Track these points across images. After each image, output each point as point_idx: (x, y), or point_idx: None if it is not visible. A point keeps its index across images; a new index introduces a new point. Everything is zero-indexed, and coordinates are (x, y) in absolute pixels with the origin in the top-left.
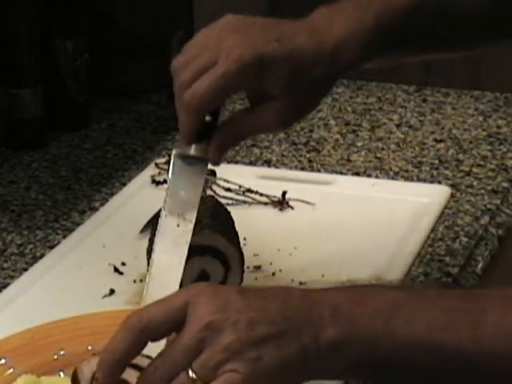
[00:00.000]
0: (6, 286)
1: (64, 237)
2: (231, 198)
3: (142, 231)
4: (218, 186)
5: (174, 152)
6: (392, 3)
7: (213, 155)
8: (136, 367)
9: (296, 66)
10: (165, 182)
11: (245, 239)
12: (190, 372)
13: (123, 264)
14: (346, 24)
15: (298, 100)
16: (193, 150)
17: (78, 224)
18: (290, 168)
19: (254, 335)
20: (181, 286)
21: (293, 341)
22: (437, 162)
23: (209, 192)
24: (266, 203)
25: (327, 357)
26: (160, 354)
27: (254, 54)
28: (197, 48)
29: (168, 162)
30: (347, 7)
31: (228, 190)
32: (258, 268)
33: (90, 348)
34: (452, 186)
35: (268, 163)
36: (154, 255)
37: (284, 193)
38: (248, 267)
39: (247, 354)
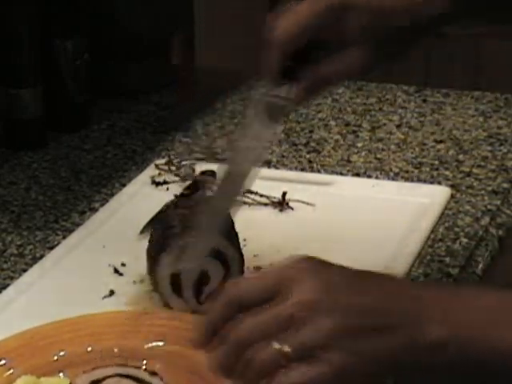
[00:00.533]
0: (5, 286)
1: (64, 237)
2: None
3: (141, 232)
4: None
5: (255, 95)
6: None
7: (299, 95)
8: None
9: (376, 13)
10: (165, 182)
11: (245, 240)
12: (284, 346)
13: (123, 265)
14: None
15: (379, 48)
16: (277, 91)
17: (78, 225)
18: (290, 169)
19: (359, 325)
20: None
21: (395, 338)
22: (437, 162)
23: (209, 193)
24: (266, 204)
25: (426, 357)
26: (252, 317)
27: None
28: None
29: (168, 163)
30: None
31: None
32: (258, 269)
33: (89, 349)
34: (452, 186)
35: (268, 164)
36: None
37: (284, 194)
38: (248, 268)
39: (348, 344)
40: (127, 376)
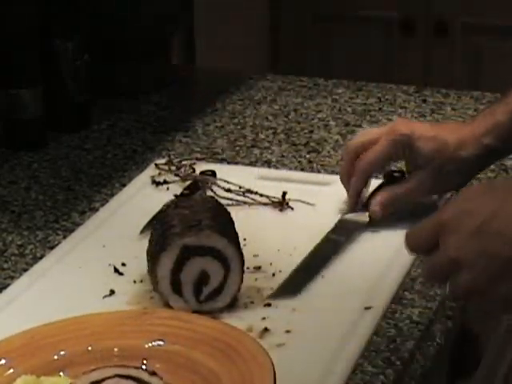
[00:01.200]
0: (6, 286)
1: (64, 237)
2: (231, 199)
3: (142, 232)
4: (219, 186)
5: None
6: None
7: (374, 209)
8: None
9: (438, 146)
10: (165, 182)
11: (245, 240)
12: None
13: (123, 264)
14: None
15: (440, 174)
16: (355, 216)
17: (78, 224)
18: (290, 169)
19: None
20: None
21: None
22: None
23: (209, 193)
24: (266, 204)
25: None
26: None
27: (407, 131)
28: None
29: (168, 163)
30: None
31: (228, 190)
32: (257, 268)
33: (89, 348)
34: None
35: (268, 164)
36: None
37: (284, 193)
38: (248, 268)
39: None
40: (127, 377)
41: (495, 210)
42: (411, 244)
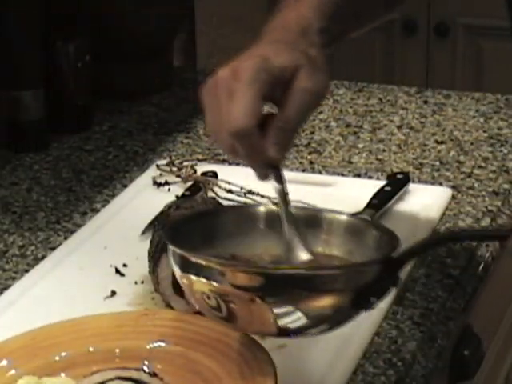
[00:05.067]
0: (7, 287)
1: (65, 238)
2: (233, 200)
3: (143, 233)
4: (220, 187)
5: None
6: None
7: (270, 152)
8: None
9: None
10: (166, 183)
11: None
12: None
13: (125, 265)
14: None
15: None
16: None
17: (80, 225)
18: (292, 170)
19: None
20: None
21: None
22: (438, 163)
23: (210, 194)
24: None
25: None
26: None
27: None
28: None
29: (169, 164)
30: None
31: (229, 191)
32: None
33: (91, 349)
34: (453, 187)
35: None
36: None
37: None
38: None
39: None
40: (128, 379)
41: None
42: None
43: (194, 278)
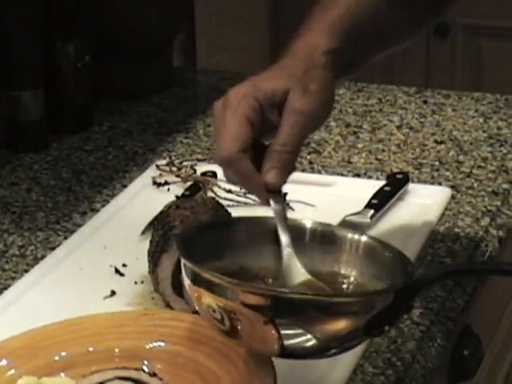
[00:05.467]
0: (7, 287)
1: (65, 238)
2: (232, 200)
3: (143, 233)
4: (219, 187)
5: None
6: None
7: (268, 178)
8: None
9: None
10: (166, 183)
11: None
12: None
13: (124, 265)
14: None
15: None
16: (356, 217)
17: (79, 225)
18: None
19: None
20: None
21: None
22: (437, 163)
23: (210, 194)
24: None
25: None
26: None
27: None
28: None
29: (169, 164)
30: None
31: (229, 191)
32: None
33: (91, 349)
34: (452, 187)
35: None
36: None
37: (285, 194)
38: None
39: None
40: (127, 378)
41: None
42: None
43: (204, 291)
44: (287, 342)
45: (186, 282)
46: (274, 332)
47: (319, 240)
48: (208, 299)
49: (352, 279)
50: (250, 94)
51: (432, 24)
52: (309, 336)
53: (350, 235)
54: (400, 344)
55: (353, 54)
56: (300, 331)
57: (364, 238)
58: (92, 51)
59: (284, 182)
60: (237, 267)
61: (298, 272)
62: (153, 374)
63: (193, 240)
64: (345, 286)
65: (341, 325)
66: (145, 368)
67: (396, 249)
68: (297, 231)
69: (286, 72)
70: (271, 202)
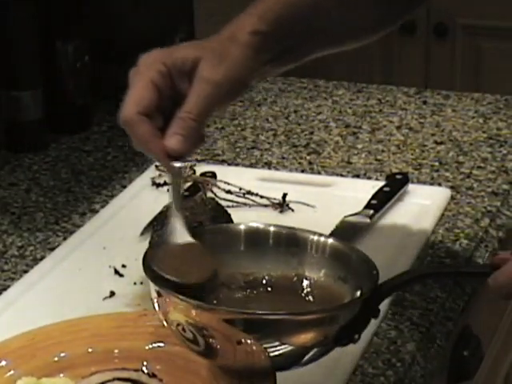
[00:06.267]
0: (6, 288)
1: (64, 239)
2: (232, 201)
3: (142, 233)
4: (219, 188)
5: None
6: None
7: (170, 143)
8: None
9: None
10: (165, 184)
11: None
12: None
13: (123, 266)
14: None
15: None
16: (356, 217)
17: (79, 226)
18: (291, 170)
19: None
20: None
21: None
22: (437, 164)
23: (209, 194)
24: (266, 205)
25: None
26: None
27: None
28: None
29: None
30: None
31: (228, 192)
32: None
33: (90, 350)
34: (452, 188)
35: (268, 165)
36: None
37: (284, 195)
38: None
39: None
40: (127, 379)
41: None
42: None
43: (172, 310)
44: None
45: (153, 295)
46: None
47: (284, 243)
48: (176, 316)
49: (316, 281)
50: (159, 60)
51: (401, 21)
52: (278, 349)
53: (314, 237)
54: (400, 345)
55: (289, 43)
56: (269, 345)
57: (329, 241)
58: (92, 51)
59: (186, 149)
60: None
61: (182, 234)
62: (152, 375)
63: (160, 254)
64: (309, 290)
65: (310, 338)
66: (144, 369)
67: (360, 251)
68: (261, 235)
69: (203, 44)
70: (171, 168)
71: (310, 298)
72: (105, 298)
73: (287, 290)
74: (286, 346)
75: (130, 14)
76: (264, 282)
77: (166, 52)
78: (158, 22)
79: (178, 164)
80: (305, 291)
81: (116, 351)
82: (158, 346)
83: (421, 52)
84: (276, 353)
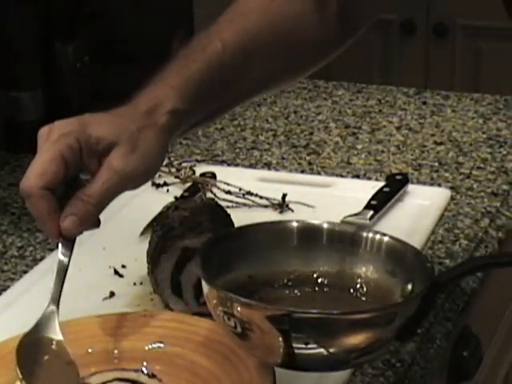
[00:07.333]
0: (6, 288)
1: None
2: (231, 201)
3: (142, 234)
4: (218, 188)
5: None
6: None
7: (65, 224)
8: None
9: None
10: (165, 184)
11: None
12: None
13: (123, 267)
14: None
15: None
16: (356, 218)
17: None
18: (290, 171)
19: None
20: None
21: None
22: (437, 164)
23: (209, 195)
24: (266, 206)
25: None
26: None
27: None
28: None
29: (168, 165)
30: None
31: (228, 192)
32: None
33: (90, 350)
34: (452, 188)
35: (268, 166)
36: None
37: (284, 195)
38: None
39: None
40: (126, 380)
41: None
42: None
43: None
44: (299, 352)
45: (205, 287)
46: (287, 345)
47: (331, 240)
48: (224, 307)
49: (364, 276)
50: (74, 133)
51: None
52: (324, 350)
53: (364, 233)
54: (399, 345)
55: (212, 110)
56: (315, 346)
57: (377, 236)
58: (92, 51)
59: (79, 232)
60: (245, 277)
61: (54, 330)
62: (152, 376)
63: (204, 256)
64: (358, 286)
65: (361, 338)
66: (144, 369)
67: (410, 245)
68: (304, 232)
69: (120, 122)
70: (59, 249)
71: (359, 294)
72: (105, 299)
73: (334, 286)
74: (331, 346)
75: (129, 14)
76: (311, 278)
77: (82, 125)
78: (157, 22)
79: (62, 258)
80: (353, 287)
81: (116, 352)
82: (158, 347)
83: (420, 52)
84: (317, 352)
